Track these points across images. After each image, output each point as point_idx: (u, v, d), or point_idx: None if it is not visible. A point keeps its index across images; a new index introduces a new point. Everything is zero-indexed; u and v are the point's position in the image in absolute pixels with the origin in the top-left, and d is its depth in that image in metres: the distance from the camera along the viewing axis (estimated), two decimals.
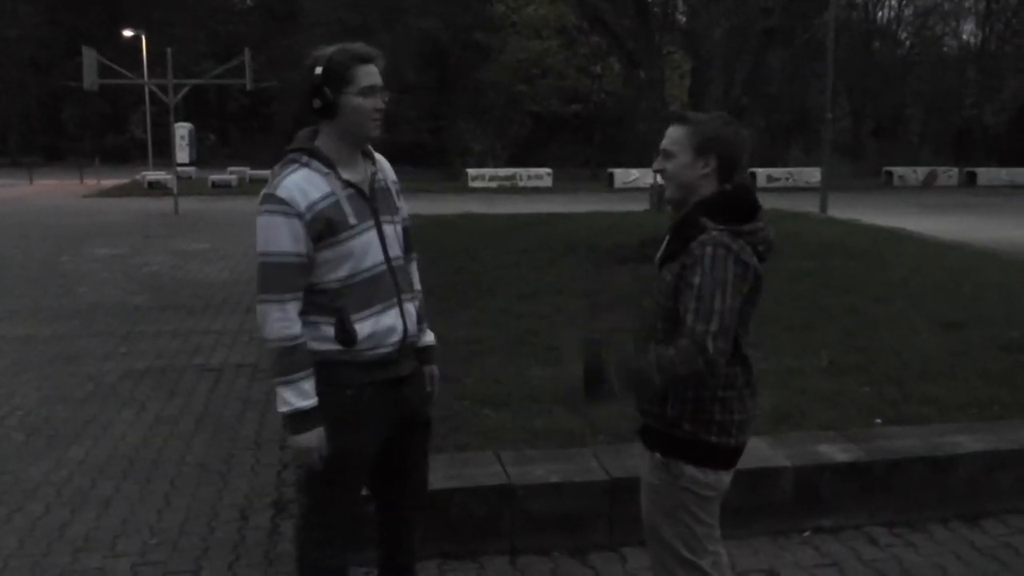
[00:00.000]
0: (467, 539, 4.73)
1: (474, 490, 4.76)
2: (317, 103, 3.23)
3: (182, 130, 39.97)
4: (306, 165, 3.27)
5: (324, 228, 3.22)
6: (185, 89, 32.52)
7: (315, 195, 3.23)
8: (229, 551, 4.85)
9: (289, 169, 3.27)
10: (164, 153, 45.12)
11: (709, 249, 3.03)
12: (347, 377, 3.34)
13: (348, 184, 3.31)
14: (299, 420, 3.28)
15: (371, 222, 3.36)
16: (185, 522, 5.20)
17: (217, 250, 18.25)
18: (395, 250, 3.46)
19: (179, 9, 65.85)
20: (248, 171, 47.60)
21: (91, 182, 45.04)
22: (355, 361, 3.34)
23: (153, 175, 43.01)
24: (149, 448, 6.40)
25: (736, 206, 3.15)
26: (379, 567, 3.88)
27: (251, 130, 70.56)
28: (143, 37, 49.38)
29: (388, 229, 3.43)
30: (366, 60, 3.26)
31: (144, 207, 30.98)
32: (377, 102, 3.29)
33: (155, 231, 22.48)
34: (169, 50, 31.57)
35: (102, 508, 5.38)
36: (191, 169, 47.30)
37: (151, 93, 42.09)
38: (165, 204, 30.38)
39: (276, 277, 3.25)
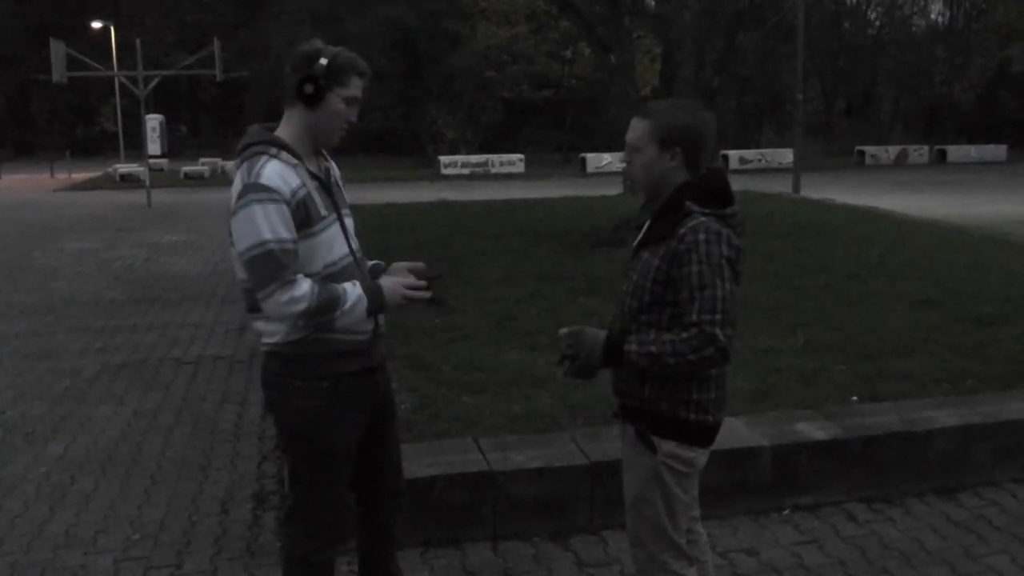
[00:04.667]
0: (448, 526, 4.75)
1: (454, 477, 4.77)
2: (309, 88, 3.24)
3: (153, 122, 39.56)
4: (275, 156, 3.24)
5: (304, 217, 3.22)
6: (155, 81, 32.30)
7: (294, 183, 3.22)
8: (211, 544, 4.85)
9: (261, 160, 3.21)
10: (135, 145, 44.87)
11: (702, 236, 3.05)
12: (322, 369, 3.33)
13: (314, 176, 3.33)
14: (376, 305, 3.33)
15: (334, 214, 3.38)
16: (166, 516, 5.19)
17: (191, 242, 18.17)
18: (355, 242, 3.48)
19: None
20: (220, 162, 47.30)
21: (62, 176, 44.74)
22: (329, 352, 3.33)
23: (125, 168, 42.79)
24: (128, 443, 6.38)
25: (717, 191, 3.17)
26: (359, 557, 3.89)
27: (222, 120, 70.08)
28: (112, 28, 49.01)
29: (347, 222, 3.46)
30: (362, 74, 3.32)
31: (116, 200, 30.81)
32: (352, 113, 3.34)
33: (128, 224, 22.35)
34: (139, 41, 31.38)
35: (82, 504, 5.36)
36: (163, 161, 46.97)
37: (121, 85, 41.72)
38: (137, 197, 30.20)
39: (278, 263, 3.14)
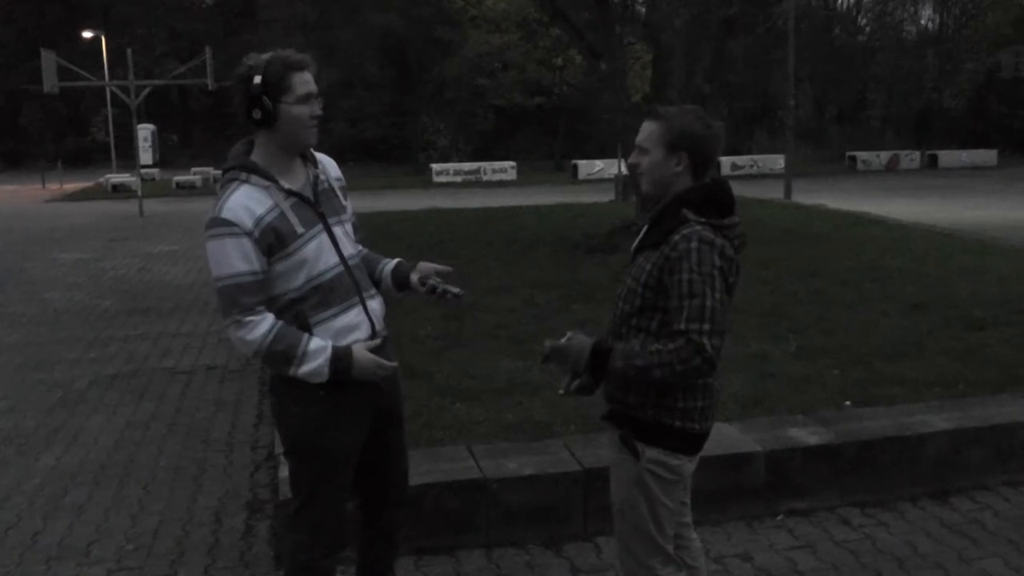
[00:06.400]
0: (442, 534, 4.75)
1: (448, 485, 4.77)
2: (257, 114, 3.23)
3: (145, 131, 39.60)
4: (245, 181, 3.27)
5: (274, 241, 3.23)
6: (147, 90, 32.23)
7: (260, 210, 3.22)
8: (204, 554, 4.84)
9: (229, 189, 3.27)
10: (127, 155, 44.82)
11: (695, 244, 3.05)
12: None
13: (290, 193, 3.30)
14: (337, 369, 3.27)
15: (319, 226, 3.36)
16: (160, 526, 5.18)
17: (183, 252, 18.14)
18: (348, 250, 3.46)
19: (139, 8, 65.14)
20: (212, 171, 47.23)
21: (53, 186, 44.61)
22: None
23: (117, 178, 42.67)
24: (121, 453, 6.37)
25: (717, 200, 3.17)
26: (358, 565, 3.88)
27: (214, 129, 69.87)
28: (103, 38, 48.95)
29: (338, 230, 3.43)
30: (301, 68, 3.26)
31: (108, 210, 30.76)
32: (314, 109, 3.29)
33: (120, 234, 22.31)
34: (129, 50, 31.32)
35: (75, 515, 5.35)
36: (155, 171, 46.92)
37: (112, 95, 41.73)
38: (130, 207, 30.14)
39: (233, 298, 3.23)
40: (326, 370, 3.26)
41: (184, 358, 9.08)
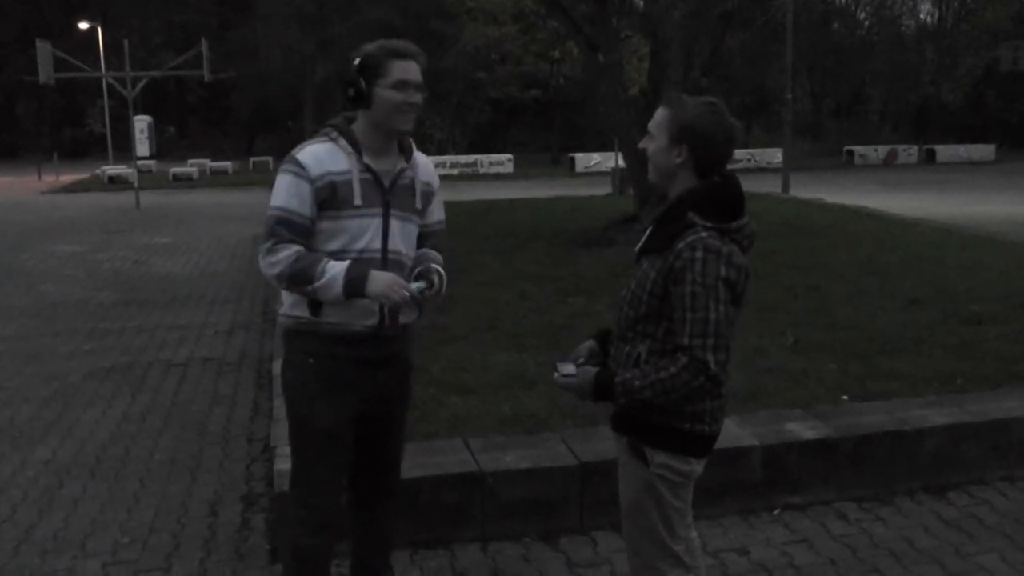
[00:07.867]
0: (438, 527, 4.73)
1: (444, 478, 4.76)
2: (351, 92, 3.38)
3: (141, 123, 39.36)
4: (333, 140, 3.42)
5: (329, 196, 3.33)
6: (143, 82, 32.19)
7: (331, 166, 3.35)
8: (200, 547, 4.83)
9: (317, 139, 3.45)
10: (123, 147, 44.74)
11: (699, 253, 2.95)
12: (310, 346, 3.46)
13: (367, 168, 3.40)
14: (353, 288, 3.30)
15: (378, 210, 3.43)
16: (155, 519, 5.17)
17: (180, 244, 18.12)
18: (397, 244, 3.49)
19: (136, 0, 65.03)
20: (208, 163, 47.36)
21: (49, 178, 44.52)
22: (317, 332, 3.44)
23: (113, 169, 42.67)
24: (117, 446, 6.35)
25: (724, 202, 3.07)
26: (352, 557, 3.88)
27: (210, 121, 69.97)
28: (99, 29, 48.86)
29: (395, 224, 3.48)
30: (402, 56, 3.39)
31: (105, 202, 30.73)
32: (409, 96, 3.39)
33: (117, 226, 22.28)
34: (126, 42, 31.29)
35: (70, 508, 5.34)
36: (151, 162, 46.83)
37: (109, 86, 41.62)
38: (126, 198, 30.12)
39: (276, 229, 3.35)
40: (340, 280, 3.29)
41: (180, 350, 9.07)
